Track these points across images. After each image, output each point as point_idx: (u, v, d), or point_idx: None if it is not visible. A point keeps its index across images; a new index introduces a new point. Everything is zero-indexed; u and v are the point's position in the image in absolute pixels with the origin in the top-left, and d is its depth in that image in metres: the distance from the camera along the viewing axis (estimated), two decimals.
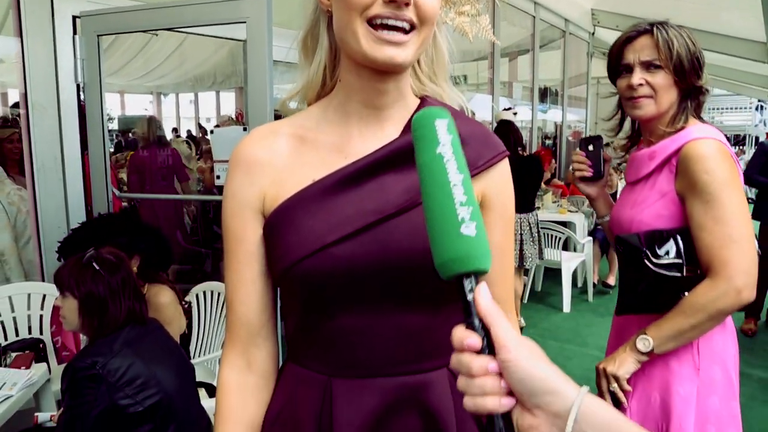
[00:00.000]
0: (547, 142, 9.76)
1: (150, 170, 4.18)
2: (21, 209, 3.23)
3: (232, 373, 0.83)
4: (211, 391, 2.28)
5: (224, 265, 0.84)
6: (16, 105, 4.21)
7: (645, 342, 1.28)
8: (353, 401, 0.76)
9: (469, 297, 0.55)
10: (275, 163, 0.79)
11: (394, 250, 0.73)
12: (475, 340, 0.53)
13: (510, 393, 0.53)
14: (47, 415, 1.90)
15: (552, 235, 4.93)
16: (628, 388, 1.33)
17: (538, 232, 4.30)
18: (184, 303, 2.30)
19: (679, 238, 1.28)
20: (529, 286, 5.17)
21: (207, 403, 1.95)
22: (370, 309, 0.75)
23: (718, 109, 21.20)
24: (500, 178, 0.83)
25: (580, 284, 5.47)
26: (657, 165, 1.35)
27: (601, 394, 1.37)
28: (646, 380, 1.34)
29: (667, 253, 1.28)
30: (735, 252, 1.21)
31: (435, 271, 0.75)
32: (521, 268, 4.27)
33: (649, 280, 1.29)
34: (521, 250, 4.10)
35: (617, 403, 1.35)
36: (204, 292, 2.69)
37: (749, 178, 4.38)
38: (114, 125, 9.04)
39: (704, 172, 1.23)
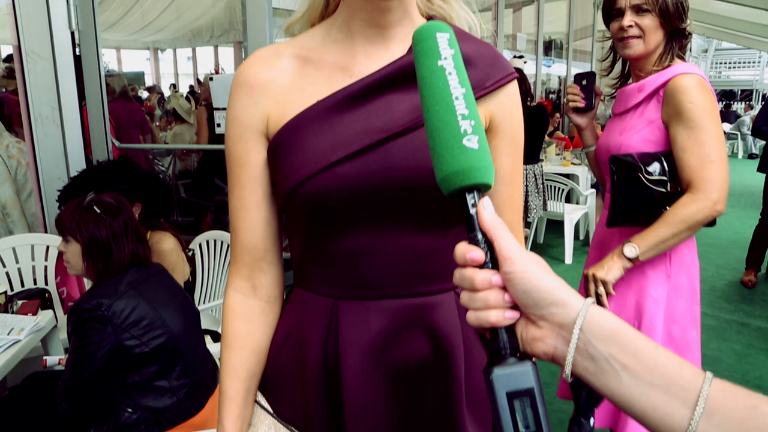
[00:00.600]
0: (551, 96, 9.64)
1: (119, 125, 4.23)
2: (21, 162, 3.21)
3: (237, 298, 0.83)
4: (217, 338, 2.31)
5: (228, 191, 0.83)
6: (9, 58, 4.13)
7: (632, 249, 1.46)
8: (359, 323, 0.75)
9: (472, 211, 0.53)
10: (278, 84, 0.77)
11: (400, 168, 0.71)
12: (478, 253, 0.52)
13: (514, 306, 0.52)
14: (56, 358, 1.92)
15: (555, 187, 4.91)
16: (613, 292, 1.50)
17: (543, 183, 4.28)
18: (187, 251, 2.30)
19: (663, 159, 1.47)
20: (531, 238, 5.18)
21: (213, 347, 1.98)
22: (376, 229, 0.74)
23: (726, 63, 20.81)
24: (508, 101, 0.80)
25: (582, 236, 5.49)
26: (645, 96, 1.52)
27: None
28: (624, 285, 1.54)
29: (654, 172, 1.47)
30: (713, 170, 1.39)
31: (438, 188, 0.73)
32: (524, 220, 4.28)
33: (641, 194, 1.47)
34: (526, 201, 4.08)
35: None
36: (207, 241, 2.69)
37: (758, 130, 4.48)
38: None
39: (688, 101, 1.41)
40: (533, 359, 0.51)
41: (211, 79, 2.88)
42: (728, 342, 3.46)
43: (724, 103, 13.76)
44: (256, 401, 0.84)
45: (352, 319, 0.75)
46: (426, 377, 0.77)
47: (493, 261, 0.52)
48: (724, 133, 12.41)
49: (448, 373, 0.77)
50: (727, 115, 12.74)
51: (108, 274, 1.63)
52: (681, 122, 1.42)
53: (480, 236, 0.52)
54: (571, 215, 4.86)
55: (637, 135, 1.51)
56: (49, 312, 2.15)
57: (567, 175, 5.10)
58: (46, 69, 2.70)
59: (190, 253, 2.38)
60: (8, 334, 1.91)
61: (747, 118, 12.00)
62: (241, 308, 0.82)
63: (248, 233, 0.80)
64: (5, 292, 2.14)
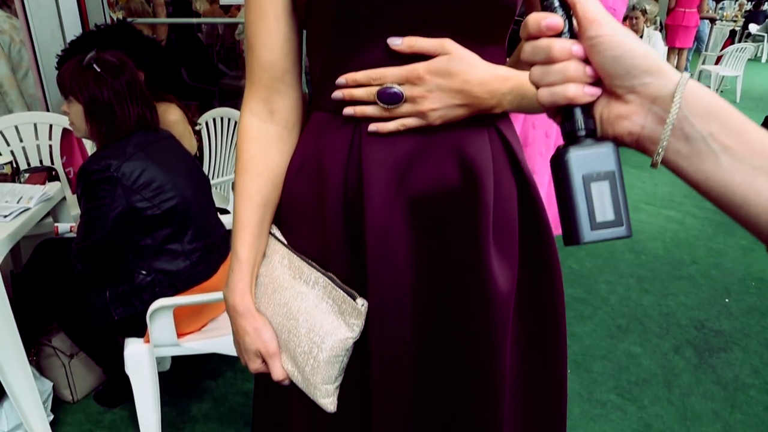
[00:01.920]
0: None
1: None
2: (14, 38, 3.07)
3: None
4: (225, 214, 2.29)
5: (245, 4, 0.75)
6: None
7: None
8: (384, 140, 0.70)
9: None
10: None
11: None
12: (555, 19, 0.44)
13: (594, 83, 0.45)
14: (67, 225, 1.92)
15: None
16: None
17: None
18: (194, 125, 2.23)
19: None
20: None
21: (224, 218, 1.96)
22: None
23: None
24: None
25: None
26: None
27: None
28: None
29: None
30: None
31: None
32: None
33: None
34: None
35: None
36: (214, 119, 2.62)
37: None
38: None
39: None
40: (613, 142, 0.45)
41: None
42: (734, 237, 3.47)
43: (753, 2, 12.93)
44: (270, 232, 0.82)
45: (379, 137, 0.70)
46: (452, 203, 0.73)
47: (570, 33, 0.45)
48: (750, 34, 11.70)
49: (476, 200, 0.72)
50: (755, 15, 12.03)
51: (113, 137, 1.58)
52: None
53: (557, 2, 0.45)
54: None
55: None
56: (57, 183, 2.12)
57: None
58: None
59: (198, 128, 2.31)
60: (17, 202, 1.89)
61: None
62: (258, 133, 0.78)
63: (266, 49, 0.74)
64: (10, 162, 2.10)
